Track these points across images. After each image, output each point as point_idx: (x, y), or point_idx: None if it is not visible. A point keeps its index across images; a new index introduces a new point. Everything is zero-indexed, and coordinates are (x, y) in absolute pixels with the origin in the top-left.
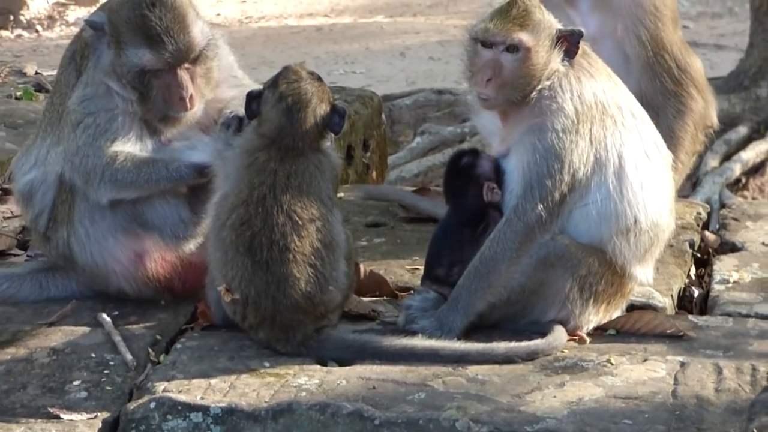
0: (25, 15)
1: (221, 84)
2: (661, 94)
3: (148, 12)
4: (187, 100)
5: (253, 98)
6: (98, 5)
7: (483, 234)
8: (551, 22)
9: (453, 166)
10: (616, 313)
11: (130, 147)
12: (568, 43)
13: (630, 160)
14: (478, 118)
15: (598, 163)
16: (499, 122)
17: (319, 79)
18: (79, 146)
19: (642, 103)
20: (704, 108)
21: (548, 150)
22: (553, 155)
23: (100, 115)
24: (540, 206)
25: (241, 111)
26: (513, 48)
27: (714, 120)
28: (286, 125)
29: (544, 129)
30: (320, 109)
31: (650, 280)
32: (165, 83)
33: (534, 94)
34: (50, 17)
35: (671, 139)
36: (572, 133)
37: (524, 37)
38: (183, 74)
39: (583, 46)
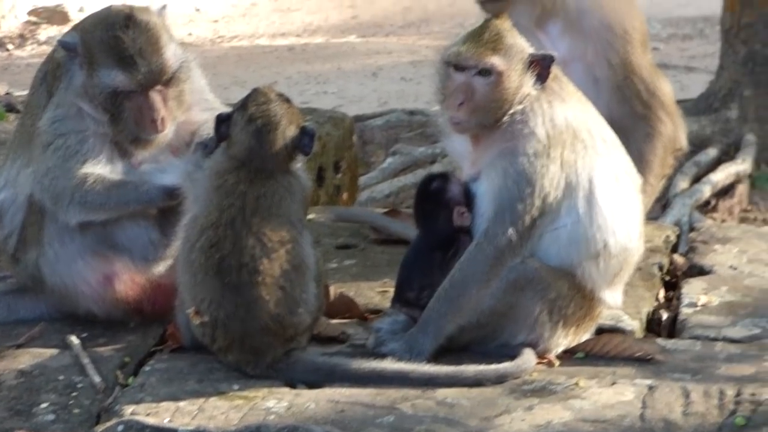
0: None
1: (193, 107)
2: (630, 118)
3: (121, 33)
4: (159, 122)
5: (222, 121)
6: (70, 24)
7: (453, 258)
8: (523, 46)
9: (423, 190)
10: (585, 336)
11: (100, 169)
12: (540, 67)
13: (600, 184)
14: (449, 141)
15: (569, 187)
16: (470, 145)
17: (288, 100)
18: (49, 167)
19: (611, 127)
20: (673, 131)
21: (520, 174)
22: (524, 179)
23: (70, 136)
24: (511, 230)
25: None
26: (485, 72)
27: (683, 143)
28: (256, 147)
29: (515, 153)
30: (289, 130)
31: (619, 304)
32: (137, 105)
33: (506, 118)
34: (21, 36)
35: (640, 162)
36: (543, 158)
37: (496, 61)
38: (155, 96)
39: (555, 69)
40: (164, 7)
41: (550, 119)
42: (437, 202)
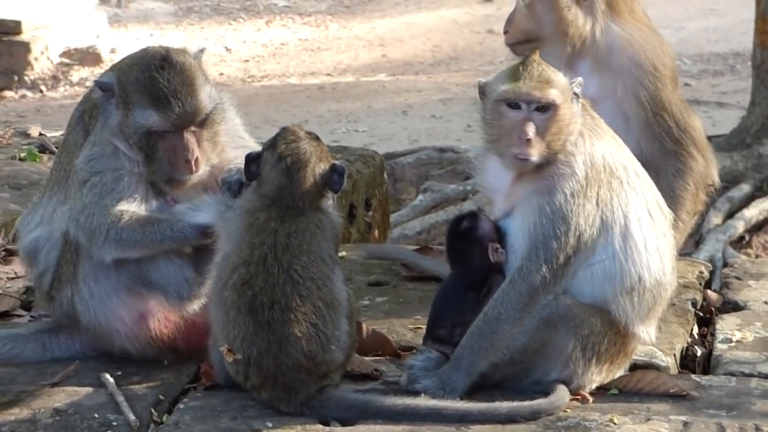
0: (30, 75)
1: (227, 147)
2: (661, 154)
3: (156, 74)
4: (193, 163)
5: (252, 160)
6: (102, 65)
7: (486, 296)
8: (566, 80)
9: (454, 230)
10: (619, 372)
11: (135, 207)
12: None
13: (634, 220)
14: (483, 176)
15: (604, 225)
16: (505, 180)
17: (317, 138)
18: (85, 204)
19: (642, 163)
20: (705, 167)
21: (556, 212)
22: (560, 218)
23: (106, 174)
24: (544, 268)
25: (241, 168)
26: (544, 107)
27: (715, 179)
28: (286, 185)
29: (552, 191)
30: (319, 168)
31: (653, 339)
32: (171, 145)
33: (561, 151)
34: (54, 77)
35: (672, 198)
36: (580, 197)
37: (554, 95)
38: (189, 137)
39: (585, 103)
40: (202, 50)
41: (590, 157)
42: (470, 240)
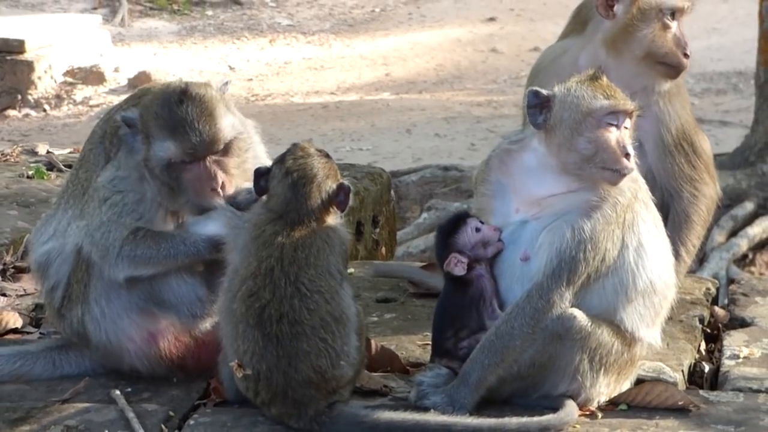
0: (33, 94)
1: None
2: (678, 179)
3: (175, 107)
4: (219, 189)
5: (261, 175)
6: (106, 84)
7: (481, 297)
8: None
9: (438, 229)
10: (627, 383)
11: (151, 227)
12: None
13: (645, 232)
14: (511, 171)
15: (624, 244)
16: (543, 187)
17: (327, 156)
18: (103, 221)
19: (654, 187)
20: (715, 192)
21: (591, 238)
22: (593, 242)
23: (128, 195)
24: (564, 287)
25: (248, 188)
26: (629, 122)
27: (720, 193)
28: (292, 199)
29: (593, 215)
30: (325, 185)
31: (659, 342)
32: (195, 175)
33: None
34: (58, 96)
35: (686, 223)
36: (613, 224)
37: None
38: (212, 165)
39: None
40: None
41: (632, 182)
42: (443, 244)
